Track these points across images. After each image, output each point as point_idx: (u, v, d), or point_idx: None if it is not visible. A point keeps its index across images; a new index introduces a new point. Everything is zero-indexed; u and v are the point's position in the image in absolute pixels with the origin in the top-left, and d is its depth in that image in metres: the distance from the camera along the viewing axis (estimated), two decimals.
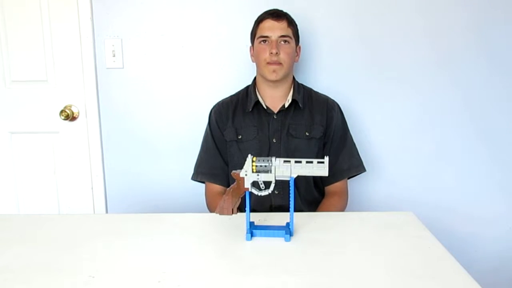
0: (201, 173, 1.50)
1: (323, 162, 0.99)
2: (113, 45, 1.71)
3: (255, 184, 1.02)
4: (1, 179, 1.83)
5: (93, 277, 0.85)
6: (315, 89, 1.55)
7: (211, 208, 1.47)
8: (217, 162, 1.48)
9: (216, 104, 1.53)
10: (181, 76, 1.73)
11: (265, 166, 1.00)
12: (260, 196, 1.02)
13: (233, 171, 1.03)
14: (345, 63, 1.69)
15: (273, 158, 1.00)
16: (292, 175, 1.00)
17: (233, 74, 1.71)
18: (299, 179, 1.41)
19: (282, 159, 1.00)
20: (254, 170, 1.00)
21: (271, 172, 1.00)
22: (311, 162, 0.99)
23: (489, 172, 1.74)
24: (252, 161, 1.00)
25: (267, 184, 1.01)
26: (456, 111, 1.71)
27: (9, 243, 1.02)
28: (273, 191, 1.39)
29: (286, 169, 1.00)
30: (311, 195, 1.48)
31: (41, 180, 1.82)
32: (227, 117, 1.48)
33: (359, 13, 1.65)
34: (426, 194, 1.76)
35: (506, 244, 1.79)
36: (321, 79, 1.68)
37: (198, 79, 1.73)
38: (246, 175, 1.01)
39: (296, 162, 0.99)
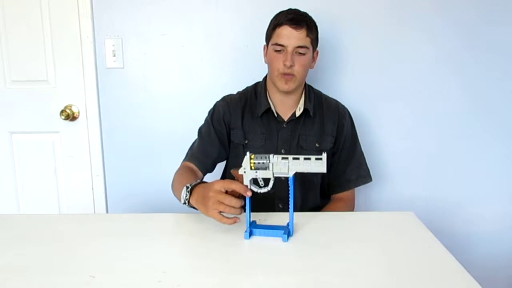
0: (192, 156, 1.40)
1: (321, 159, 0.98)
2: (113, 45, 1.71)
3: (254, 182, 1.02)
4: (1, 179, 1.83)
5: (93, 277, 0.85)
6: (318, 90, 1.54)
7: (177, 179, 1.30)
8: (215, 155, 1.40)
9: (223, 99, 1.45)
10: (181, 76, 1.73)
11: (263, 163, 0.99)
12: (260, 194, 1.01)
13: (232, 169, 1.02)
14: (346, 64, 1.69)
15: (271, 155, 1.00)
16: (289, 172, 1.00)
17: (233, 74, 1.71)
18: (306, 192, 1.42)
19: (280, 156, 1.00)
20: (253, 167, 0.99)
21: (269, 169, 0.99)
22: (309, 158, 0.98)
23: (490, 172, 1.75)
24: (250, 158, 1.00)
25: (266, 181, 1.01)
26: (456, 111, 1.71)
27: (9, 243, 1.02)
28: (277, 205, 1.39)
29: (283, 166, 0.99)
30: (316, 204, 1.45)
31: (41, 180, 1.83)
32: (236, 117, 1.40)
33: (369, 14, 1.66)
34: (426, 194, 1.76)
35: (506, 244, 1.79)
36: (325, 80, 1.68)
37: (198, 79, 1.73)
38: (244, 172, 1.00)
39: (294, 158, 0.99)
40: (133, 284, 0.83)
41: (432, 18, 1.65)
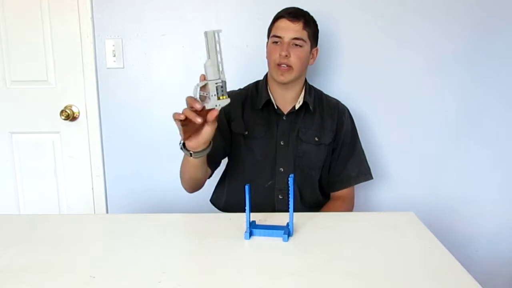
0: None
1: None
2: (113, 45, 1.71)
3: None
4: (1, 179, 1.84)
5: (94, 277, 0.85)
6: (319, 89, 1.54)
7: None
8: (217, 145, 1.33)
9: None
10: (182, 76, 1.73)
11: (202, 94, 1.10)
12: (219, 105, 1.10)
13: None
14: (346, 64, 1.69)
15: (196, 86, 1.09)
16: (209, 77, 1.08)
17: (233, 74, 1.70)
18: (304, 186, 1.43)
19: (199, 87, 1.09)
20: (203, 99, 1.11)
21: (209, 98, 1.10)
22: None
23: (490, 172, 1.75)
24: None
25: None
26: (456, 112, 1.71)
27: (9, 243, 1.02)
28: (277, 196, 1.39)
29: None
30: (316, 200, 1.46)
31: (41, 180, 1.83)
32: (236, 108, 1.42)
33: (369, 14, 1.66)
34: (426, 194, 1.76)
35: (506, 244, 1.79)
36: (325, 79, 1.68)
37: (198, 79, 1.73)
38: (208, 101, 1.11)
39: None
40: (133, 284, 0.83)
41: (432, 17, 1.65)
